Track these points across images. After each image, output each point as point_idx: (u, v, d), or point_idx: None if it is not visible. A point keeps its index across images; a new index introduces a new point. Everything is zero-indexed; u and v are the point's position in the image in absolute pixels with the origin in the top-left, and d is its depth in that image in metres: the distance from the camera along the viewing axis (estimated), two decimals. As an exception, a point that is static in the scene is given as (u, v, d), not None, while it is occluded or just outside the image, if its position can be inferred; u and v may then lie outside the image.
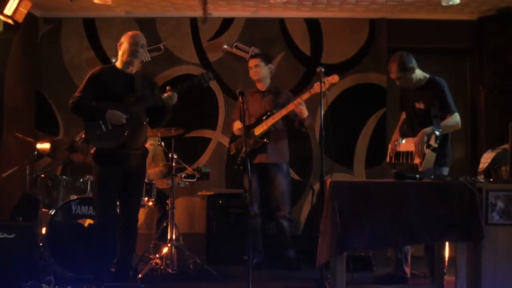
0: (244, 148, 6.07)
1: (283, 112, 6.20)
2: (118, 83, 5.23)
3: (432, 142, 5.10)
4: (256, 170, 6.32)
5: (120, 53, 5.29)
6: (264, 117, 6.33)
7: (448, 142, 5.47)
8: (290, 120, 6.37)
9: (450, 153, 5.51)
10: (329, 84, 5.86)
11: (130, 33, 5.33)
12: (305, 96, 6.09)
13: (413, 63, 5.42)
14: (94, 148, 5.17)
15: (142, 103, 5.21)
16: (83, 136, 5.51)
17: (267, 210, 6.54)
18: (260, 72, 6.46)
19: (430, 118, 5.20)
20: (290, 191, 6.52)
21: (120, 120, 5.10)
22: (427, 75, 5.49)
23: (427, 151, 5.10)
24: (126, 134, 5.11)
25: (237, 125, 6.47)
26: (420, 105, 5.45)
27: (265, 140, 6.30)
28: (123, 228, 5.26)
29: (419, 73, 5.47)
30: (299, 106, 6.13)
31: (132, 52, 5.22)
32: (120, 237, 5.26)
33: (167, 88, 5.32)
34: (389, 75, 5.65)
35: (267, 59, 6.54)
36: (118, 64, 5.31)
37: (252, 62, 6.54)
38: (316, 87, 5.75)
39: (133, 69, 5.32)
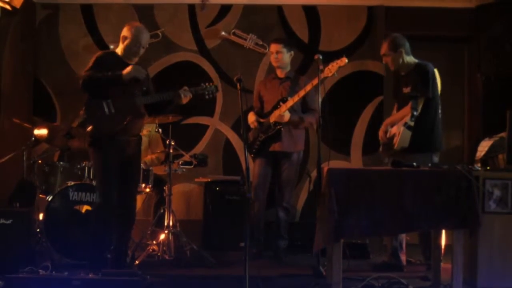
0: (260, 135, 6.14)
1: (289, 103, 6.00)
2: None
3: (407, 120, 5.16)
4: (269, 158, 6.22)
5: (126, 42, 5.23)
6: (278, 105, 6.13)
7: (436, 127, 5.46)
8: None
9: (439, 139, 5.50)
10: (337, 67, 5.69)
11: (144, 30, 5.34)
12: (315, 81, 5.85)
13: (404, 46, 5.51)
14: (91, 132, 5.08)
15: (147, 97, 5.25)
16: (81, 115, 5.22)
17: (270, 197, 6.46)
18: (282, 58, 6.21)
19: None
20: (295, 181, 6.42)
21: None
22: (416, 60, 5.52)
23: (402, 128, 5.15)
24: (126, 121, 5.10)
25: (251, 118, 6.29)
26: (407, 90, 5.51)
27: (279, 126, 6.09)
28: (121, 216, 5.26)
29: (409, 59, 5.52)
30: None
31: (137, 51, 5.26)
32: (118, 225, 5.27)
33: (184, 88, 5.35)
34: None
35: (290, 46, 6.30)
36: (119, 51, 5.29)
37: (274, 47, 6.26)
38: (326, 71, 5.64)
39: (135, 60, 5.32)
